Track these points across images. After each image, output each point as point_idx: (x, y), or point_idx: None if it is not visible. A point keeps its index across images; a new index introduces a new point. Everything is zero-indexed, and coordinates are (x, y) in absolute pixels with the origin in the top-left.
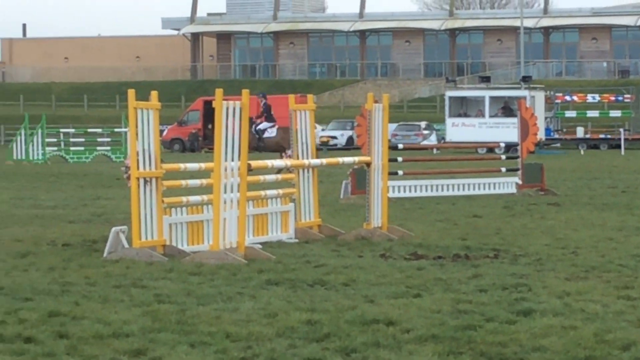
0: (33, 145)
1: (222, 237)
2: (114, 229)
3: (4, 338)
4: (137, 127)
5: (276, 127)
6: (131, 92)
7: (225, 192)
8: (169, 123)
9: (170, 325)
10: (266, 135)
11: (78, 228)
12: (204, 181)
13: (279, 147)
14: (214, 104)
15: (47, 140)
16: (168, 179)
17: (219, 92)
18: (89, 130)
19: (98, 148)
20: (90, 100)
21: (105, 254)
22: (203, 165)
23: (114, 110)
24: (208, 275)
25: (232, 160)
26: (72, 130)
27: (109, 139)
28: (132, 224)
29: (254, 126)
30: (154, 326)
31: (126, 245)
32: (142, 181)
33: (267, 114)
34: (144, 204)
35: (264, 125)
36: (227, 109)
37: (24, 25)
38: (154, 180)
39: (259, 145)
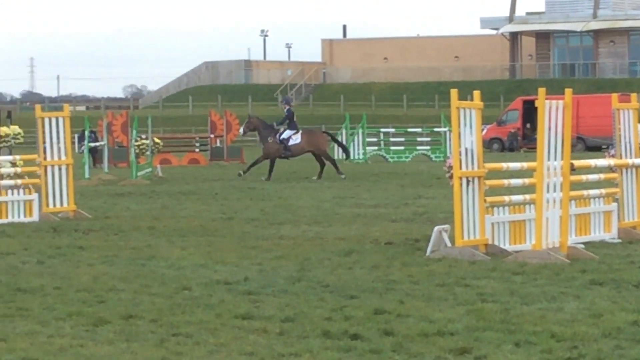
0: (354, 144)
1: (544, 236)
2: (436, 227)
3: (331, 334)
4: (459, 126)
5: (299, 132)
6: (454, 92)
7: (547, 191)
8: (488, 122)
9: (495, 324)
10: (291, 142)
11: (400, 227)
12: (526, 180)
13: (306, 152)
14: (536, 103)
15: (367, 139)
16: (490, 179)
17: (541, 91)
18: (409, 130)
19: (418, 147)
20: (410, 100)
21: (427, 253)
22: (525, 164)
23: (433, 110)
24: (531, 274)
25: (555, 159)
26: (392, 130)
27: (428, 139)
28: (455, 223)
29: (278, 135)
30: (478, 325)
31: (449, 244)
32: (464, 180)
33: (289, 121)
34: (466, 203)
35: (287, 133)
36: (550, 108)
37: (344, 27)
38: (476, 179)
39: (285, 154)
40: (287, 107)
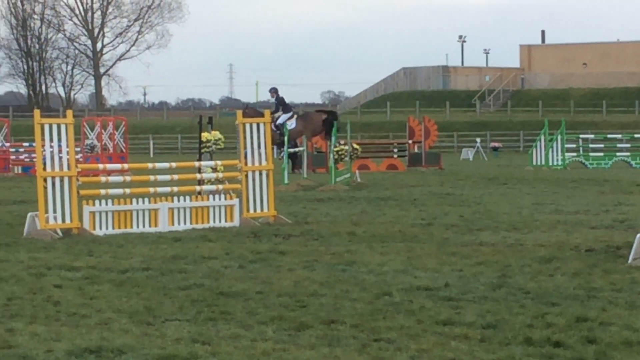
0: (552, 151)
1: None
2: (639, 235)
3: (532, 342)
4: None
5: (295, 117)
6: None
7: None
8: None
9: None
10: (288, 127)
11: (600, 234)
12: None
13: (302, 136)
14: None
15: (566, 146)
16: None
17: None
18: (609, 136)
19: (617, 154)
20: (609, 106)
21: (629, 260)
22: None
23: (633, 116)
24: None
25: None
26: (591, 136)
27: (628, 145)
28: None
29: (273, 123)
30: None
31: None
32: None
33: (283, 106)
34: None
35: (282, 118)
36: None
37: (543, 32)
38: None
39: (282, 140)
40: (276, 96)
